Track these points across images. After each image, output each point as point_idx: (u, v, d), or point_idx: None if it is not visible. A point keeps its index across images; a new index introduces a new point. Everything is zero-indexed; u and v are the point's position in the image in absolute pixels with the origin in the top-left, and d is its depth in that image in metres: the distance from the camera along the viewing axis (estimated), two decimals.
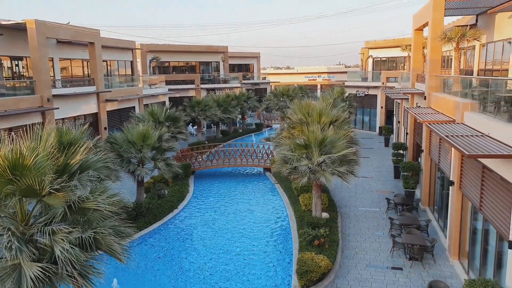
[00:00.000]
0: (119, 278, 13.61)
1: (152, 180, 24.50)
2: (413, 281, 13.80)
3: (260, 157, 29.89)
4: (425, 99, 20.60)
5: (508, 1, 16.71)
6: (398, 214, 18.91)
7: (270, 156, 28.88)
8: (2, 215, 8.28)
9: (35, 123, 9.92)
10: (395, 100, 36.29)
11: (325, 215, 18.67)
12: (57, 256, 7.75)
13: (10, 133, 9.73)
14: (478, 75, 21.85)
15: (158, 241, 18.29)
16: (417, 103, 23.97)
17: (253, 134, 45.11)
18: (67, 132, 12.07)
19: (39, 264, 7.62)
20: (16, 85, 25.09)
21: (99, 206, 8.70)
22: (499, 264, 11.21)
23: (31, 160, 7.98)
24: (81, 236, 8.33)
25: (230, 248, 17.40)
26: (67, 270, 7.87)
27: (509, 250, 9.84)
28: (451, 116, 15.58)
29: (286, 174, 17.71)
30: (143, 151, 19.86)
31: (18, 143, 8.28)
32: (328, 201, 20.59)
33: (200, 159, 30.16)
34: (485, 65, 21.53)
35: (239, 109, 44.42)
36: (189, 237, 18.85)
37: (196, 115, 37.95)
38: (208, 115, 38.16)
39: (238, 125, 48.70)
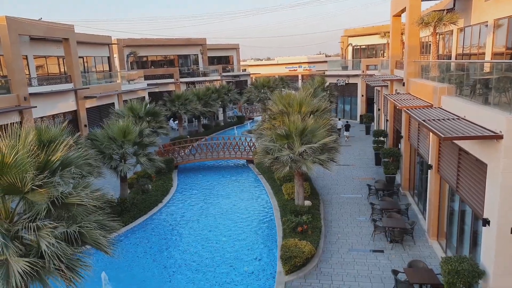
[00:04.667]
0: (108, 272, 13.64)
1: (135, 175, 24.47)
2: (394, 262, 14.21)
3: (242, 150, 30.01)
4: (404, 85, 20.91)
5: None
6: (379, 199, 19.33)
7: (252, 148, 29.03)
8: None
9: (13, 122, 9.82)
10: (375, 87, 36.75)
11: (307, 203, 18.97)
12: (43, 251, 7.79)
13: None
14: (456, 60, 22.15)
15: (144, 234, 18.35)
16: (396, 90, 24.32)
17: (235, 127, 45.15)
18: (46, 130, 11.96)
19: (26, 259, 7.66)
20: None
21: (83, 201, 8.73)
22: (475, 242, 11.65)
23: (11, 158, 7.96)
24: (67, 231, 8.37)
25: (217, 238, 17.57)
26: (54, 264, 7.92)
27: (483, 227, 10.24)
28: (429, 101, 15.88)
29: (268, 165, 17.90)
30: (125, 146, 19.79)
31: None
32: (311, 189, 20.89)
33: (183, 154, 30.15)
34: (463, 49, 21.83)
35: (220, 102, 44.28)
36: (175, 229, 18.93)
37: (176, 109, 37.74)
38: (188, 109, 37.96)
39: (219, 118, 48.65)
